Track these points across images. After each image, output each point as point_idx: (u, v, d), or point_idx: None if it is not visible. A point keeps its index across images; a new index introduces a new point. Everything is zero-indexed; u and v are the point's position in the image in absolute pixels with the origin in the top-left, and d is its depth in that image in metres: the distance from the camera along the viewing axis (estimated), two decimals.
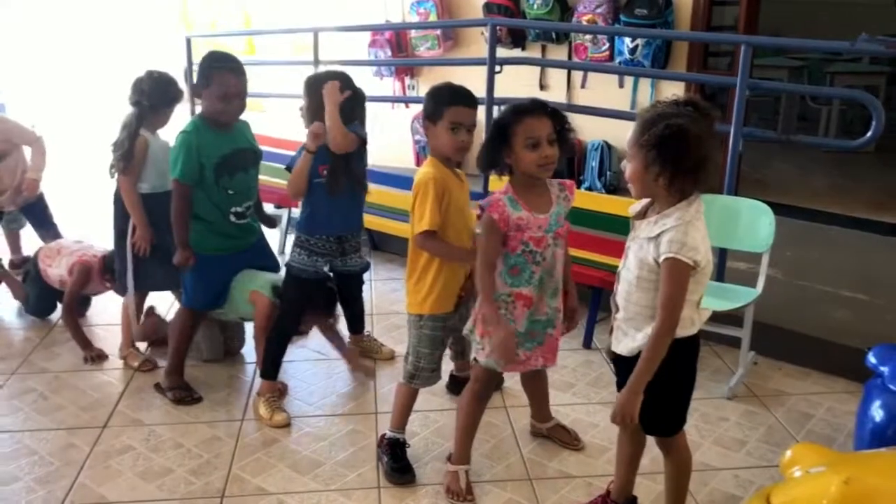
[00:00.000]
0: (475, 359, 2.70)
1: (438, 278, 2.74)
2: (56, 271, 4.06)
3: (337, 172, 3.22)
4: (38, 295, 4.29)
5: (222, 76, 3.18)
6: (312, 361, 3.78)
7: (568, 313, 2.72)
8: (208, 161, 3.24)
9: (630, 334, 2.29)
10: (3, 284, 4.55)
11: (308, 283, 3.34)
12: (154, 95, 3.52)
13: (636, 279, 2.23)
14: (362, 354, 3.79)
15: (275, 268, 3.63)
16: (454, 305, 2.82)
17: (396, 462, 2.89)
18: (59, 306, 4.26)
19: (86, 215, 5.64)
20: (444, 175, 2.71)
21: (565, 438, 3.09)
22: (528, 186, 2.54)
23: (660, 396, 2.24)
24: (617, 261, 2.41)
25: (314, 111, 3.19)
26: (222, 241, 3.39)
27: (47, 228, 4.79)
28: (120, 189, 3.58)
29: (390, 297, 4.59)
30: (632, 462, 2.59)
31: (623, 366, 2.33)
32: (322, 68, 5.93)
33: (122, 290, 3.78)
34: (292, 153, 3.34)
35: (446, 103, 2.68)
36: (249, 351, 3.84)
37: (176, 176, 3.22)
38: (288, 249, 3.75)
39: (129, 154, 3.50)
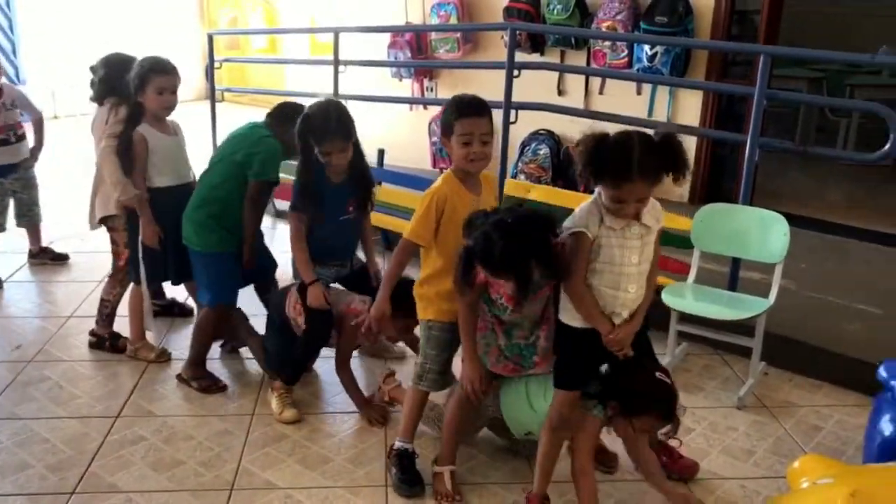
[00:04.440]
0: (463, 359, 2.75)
1: (442, 287, 2.74)
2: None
3: (366, 201, 3.36)
4: (279, 346, 3.48)
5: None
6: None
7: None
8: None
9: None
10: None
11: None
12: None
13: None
14: (373, 353, 3.82)
15: (272, 265, 3.77)
16: None
17: (404, 474, 2.87)
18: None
19: None
20: (452, 191, 2.72)
21: (600, 458, 2.95)
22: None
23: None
24: None
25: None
26: (237, 240, 3.49)
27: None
28: None
29: None
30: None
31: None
32: (342, 69, 6.00)
33: (134, 279, 3.78)
34: None
35: (455, 116, 2.67)
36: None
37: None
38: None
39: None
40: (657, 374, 2.55)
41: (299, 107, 3.34)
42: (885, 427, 2.57)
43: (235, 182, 3.42)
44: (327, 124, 3.11)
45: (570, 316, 2.51)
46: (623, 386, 2.52)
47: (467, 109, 2.68)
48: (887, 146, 3.65)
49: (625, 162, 2.26)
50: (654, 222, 2.45)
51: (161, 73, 3.52)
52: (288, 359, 3.40)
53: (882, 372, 2.74)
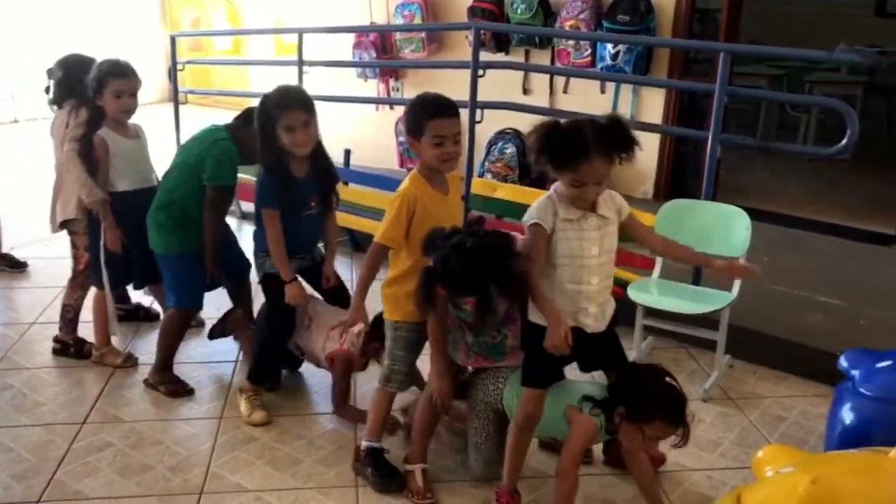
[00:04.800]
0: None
1: (410, 287, 2.69)
2: (308, 343, 3.41)
3: (330, 196, 3.31)
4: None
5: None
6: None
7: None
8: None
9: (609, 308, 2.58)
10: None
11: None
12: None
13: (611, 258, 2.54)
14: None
15: (244, 264, 3.67)
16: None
17: (379, 469, 2.87)
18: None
19: None
20: (421, 191, 2.70)
21: None
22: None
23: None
24: None
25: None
26: (199, 242, 3.44)
27: None
28: None
29: (371, 298, 4.59)
30: None
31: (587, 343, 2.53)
32: (306, 70, 5.98)
33: (97, 283, 3.73)
34: None
35: (427, 117, 2.64)
36: (228, 350, 3.86)
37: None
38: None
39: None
40: (665, 378, 2.54)
41: None
42: (846, 416, 2.63)
43: (194, 184, 3.38)
44: (286, 96, 3.08)
45: (538, 315, 2.53)
46: (630, 389, 2.51)
47: (439, 111, 2.66)
48: (844, 141, 3.72)
49: (581, 142, 2.32)
50: (613, 214, 2.49)
51: (119, 76, 3.48)
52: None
53: (842, 362, 2.81)
